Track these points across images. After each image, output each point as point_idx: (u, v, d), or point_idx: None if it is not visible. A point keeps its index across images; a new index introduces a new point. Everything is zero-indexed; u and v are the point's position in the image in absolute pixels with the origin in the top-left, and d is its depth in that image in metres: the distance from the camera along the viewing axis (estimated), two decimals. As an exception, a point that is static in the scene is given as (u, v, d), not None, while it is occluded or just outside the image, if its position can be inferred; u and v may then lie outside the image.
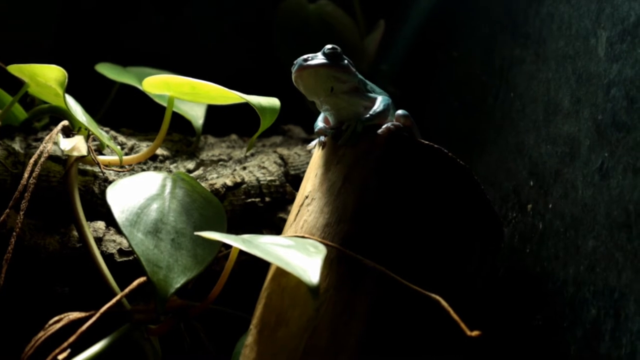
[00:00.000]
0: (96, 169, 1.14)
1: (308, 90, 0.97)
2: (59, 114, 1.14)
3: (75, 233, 1.06)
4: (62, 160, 1.12)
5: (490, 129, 1.25)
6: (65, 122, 1.11)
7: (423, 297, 0.82)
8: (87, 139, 1.10)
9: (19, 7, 1.56)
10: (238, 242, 0.84)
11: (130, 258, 1.07)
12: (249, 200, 1.19)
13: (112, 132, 1.26)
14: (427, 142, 0.92)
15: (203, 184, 1.15)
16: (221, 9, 1.71)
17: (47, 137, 1.07)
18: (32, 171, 1.02)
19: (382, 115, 0.96)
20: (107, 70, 1.34)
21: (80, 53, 1.59)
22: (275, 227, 1.21)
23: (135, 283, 0.91)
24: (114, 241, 1.08)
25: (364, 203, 0.90)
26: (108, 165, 1.15)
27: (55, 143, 1.07)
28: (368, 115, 0.95)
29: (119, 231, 1.08)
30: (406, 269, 0.86)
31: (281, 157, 1.28)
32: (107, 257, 1.06)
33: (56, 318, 0.90)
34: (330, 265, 0.87)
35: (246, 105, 1.11)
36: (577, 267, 0.93)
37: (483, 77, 1.31)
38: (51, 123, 1.25)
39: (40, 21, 1.58)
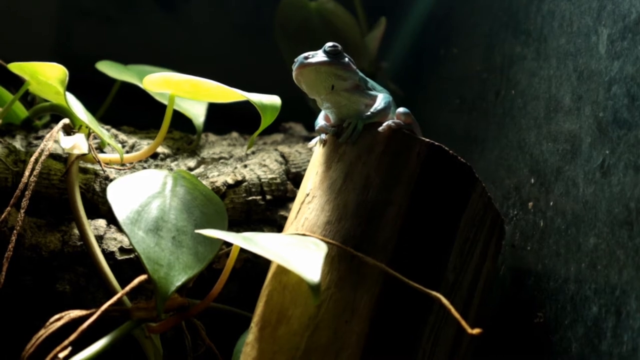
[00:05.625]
0: (97, 167, 1.14)
1: (309, 87, 0.97)
2: (60, 112, 1.14)
3: (76, 231, 1.06)
4: (63, 159, 1.12)
5: (491, 126, 1.24)
6: (66, 120, 1.11)
7: (424, 295, 0.82)
8: (87, 137, 1.10)
9: (19, 6, 1.56)
10: (239, 239, 0.84)
11: (131, 256, 1.07)
12: (250, 198, 1.19)
13: (113, 130, 1.26)
14: (427, 140, 0.92)
15: (204, 182, 1.15)
16: (222, 6, 1.72)
17: (48, 135, 1.07)
18: (33, 169, 1.02)
19: (383, 112, 0.96)
20: (107, 68, 1.34)
21: (80, 51, 1.59)
22: (277, 225, 1.21)
23: (136, 281, 0.91)
24: (115, 239, 1.08)
25: (365, 200, 0.90)
26: (109, 163, 1.15)
27: (56, 141, 1.07)
28: (369, 113, 0.95)
29: (119, 229, 1.09)
30: (407, 267, 0.86)
31: (282, 155, 1.28)
32: (108, 255, 1.06)
33: (57, 316, 0.89)
34: (331, 263, 0.87)
35: (247, 103, 1.11)
36: (579, 265, 0.93)
37: (484, 74, 1.30)
38: (52, 121, 1.26)
39: (41, 20, 1.58)
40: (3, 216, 0.99)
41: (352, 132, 0.94)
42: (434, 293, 0.82)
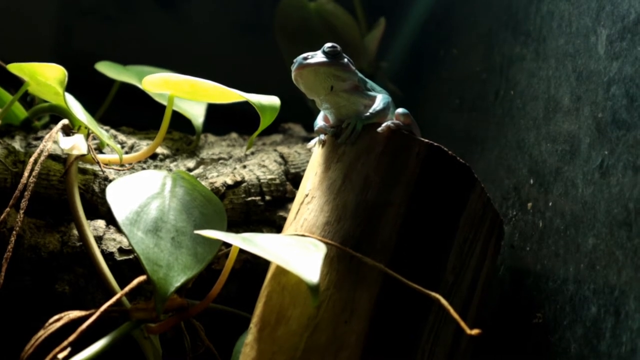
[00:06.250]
0: (96, 168, 1.14)
1: (308, 88, 0.97)
2: (59, 112, 1.14)
3: (76, 232, 1.06)
4: (62, 159, 1.12)
5: (490, 126, 1.24)
6: (65, 121, 1.11)
7: (424, 295, 0.82)
8: (87, 137, 1.10)
9: (19, 6, 1.56)
10: (238, 240, 0.84)
11: (131, 257, 1.07)
12: (249, 198, 1.19)
13: (112, 131, 1.26)
14: (427, 140, 0.92)
15: (203, 183, 1.15)
16: (222, 6, 1.72)
17: (47, 136, 1.07)
18: (32, 170, 1.02)
19: (382, 113, 0.96)
20: (107, 68, 1.34)
21: (80, 51, 1.59)
22: (276, 226, 1.21)
23: (135, 282, 0.91)
24: (114, 240, 1.08)
25: (364, 201, 0.90)
26: (108, 163, 1.15)
27: (55, 142, 1.07)
28: (368, 114, 0.95)
29: (119, 230, 1.09)
30: (407, 267, 0.86)
31: (281, 155, 1.28)
32: (107, 255, 1.06)
33: (56, 317, 0.90)
34: (330, 263, 0.87)
35: (246, 104, 1.11)
36: (578, 265, 0.93)
37: (483, 74, 1.30)
38: (51, 122, 1.26)
39: (41, 19, 1.59)
40: (2, 217, 0.99)
41: (351, 132, 0.94)
42: (433, 293, 0.82)
